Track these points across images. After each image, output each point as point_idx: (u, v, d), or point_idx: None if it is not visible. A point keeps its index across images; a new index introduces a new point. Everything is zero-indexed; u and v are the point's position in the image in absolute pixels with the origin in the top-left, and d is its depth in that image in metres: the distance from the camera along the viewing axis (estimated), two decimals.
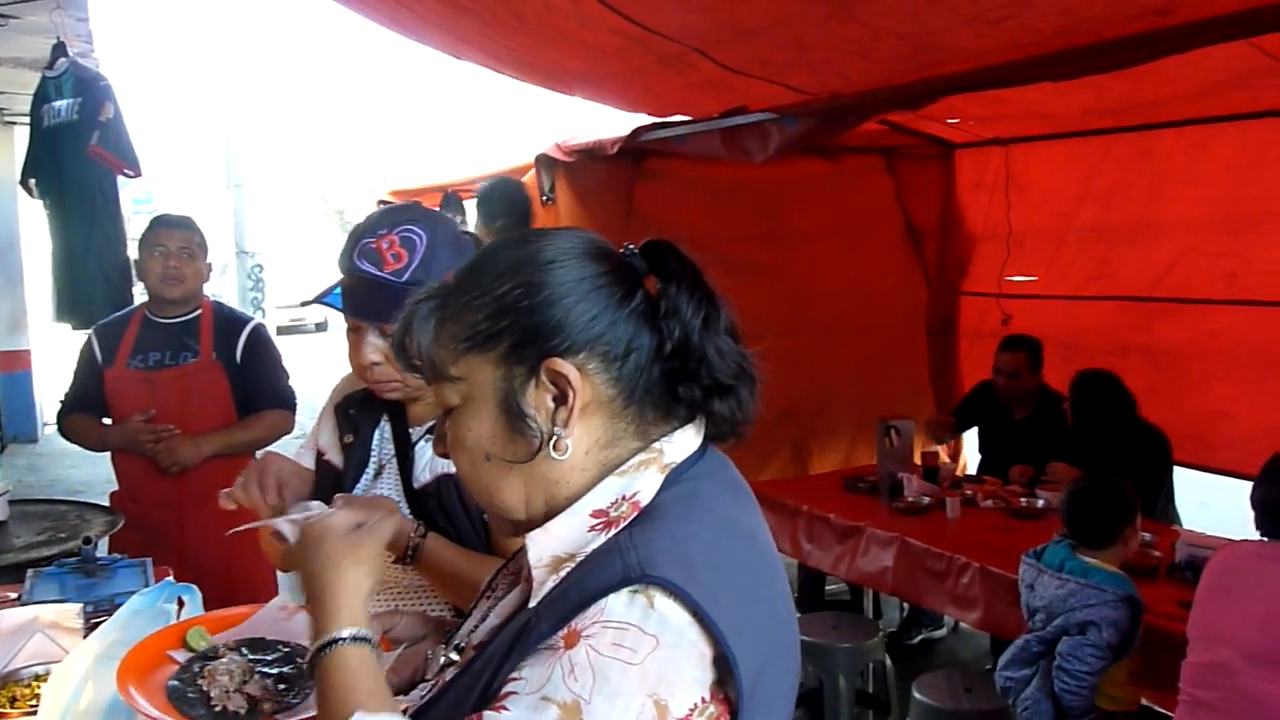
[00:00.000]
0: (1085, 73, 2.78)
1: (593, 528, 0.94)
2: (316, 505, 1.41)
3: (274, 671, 1.38)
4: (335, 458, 1.77)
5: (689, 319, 0.97)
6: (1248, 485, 4.51)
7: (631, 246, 1.02)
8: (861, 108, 3.45)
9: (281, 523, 1.29)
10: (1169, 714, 2.68)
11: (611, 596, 0.86)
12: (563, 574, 0.93)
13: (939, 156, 5.71)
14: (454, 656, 1.08)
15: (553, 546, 0.95)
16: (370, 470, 1.71)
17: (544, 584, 0.94)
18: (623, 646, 0.83)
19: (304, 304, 1.76)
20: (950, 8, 2.55)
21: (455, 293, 1.00)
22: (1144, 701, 2.78)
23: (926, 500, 4.03)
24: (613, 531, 0.93)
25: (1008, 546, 3.42)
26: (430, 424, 1.67)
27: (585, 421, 0.96)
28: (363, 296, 1.57)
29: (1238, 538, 3.33)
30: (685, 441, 0.99)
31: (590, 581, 0.88)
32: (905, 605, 4.76)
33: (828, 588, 4.63)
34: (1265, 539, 2.30)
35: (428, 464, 1.65)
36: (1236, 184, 4.38)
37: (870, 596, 4.83)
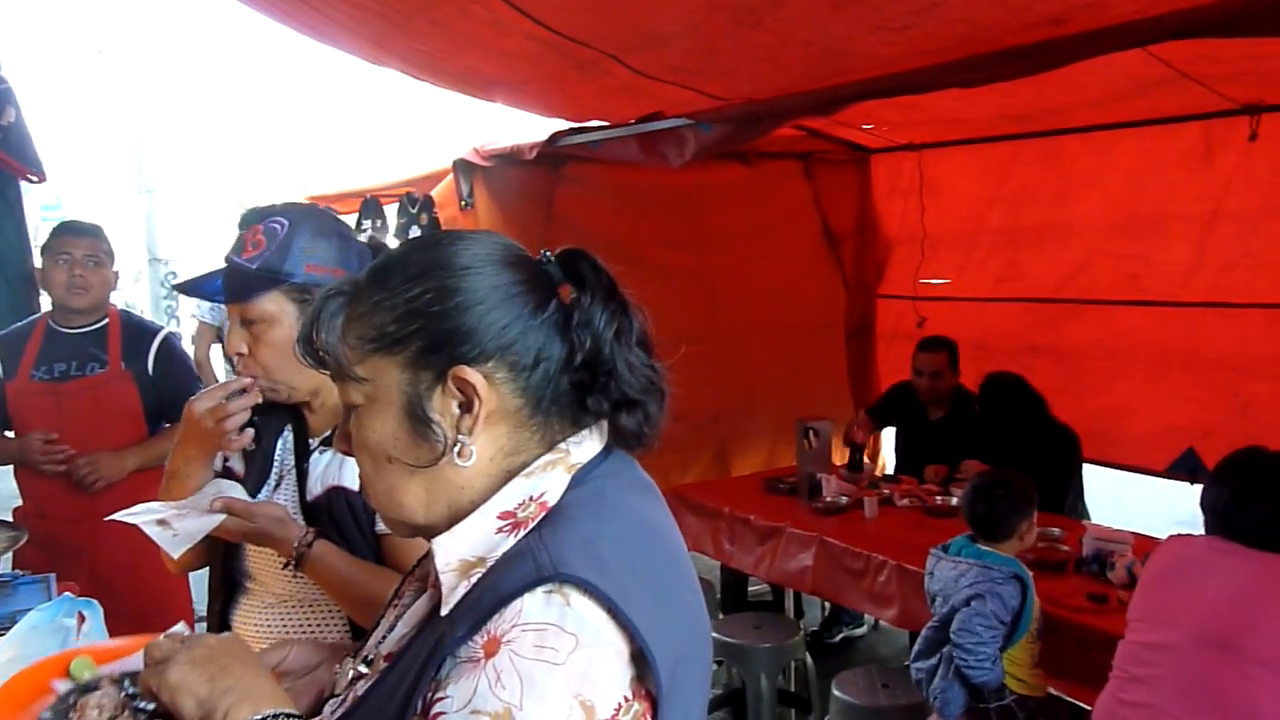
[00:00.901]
0: (985, 80, 2.85)
1: (500, 530, 0.94)
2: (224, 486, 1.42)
3: (148, 708, 1.31)
4: (237, 465, 1.75)
5: (601, 330, 0.97)
6: (1153, 480, 4.70)
7: (548, 254, 1.01)
8: (774, 113, 3.49)
9: (152, 527, 1.25)
10: (1078, 703, 2.77)
11: (527, 597, 0.85)
12: (473, 579, 0.92)
13: (855, 162, 5.80)
14: (363, 669, 1.05)
15: (460, 550, 0.94)
16: (272, 480, 1.70)
17: (455, 590, 0.93)
18: (545, 647, 0.83)
19: (174, 288, 1.77)
20: (854, 16, 2.60)
21: (366, 291, 0.98)
22: (1052, 691, 2.86)
23: (845, 500, 4.09)
24: (521, 533, 0.93)
25: (923, 544, 3.46)
26: (327, 435, 1.66)
27: (490, 429, 0.96)
28: (225, 282, 1.61)
29: (1144, 531, 3.46)
30: (590, 443, 0.99)
31: (503, 585, 0.87)
32: (826, 604, 4.83)
33: (750, 588, 4.68)
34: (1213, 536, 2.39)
35: (320, 475, 1.64)
36: (1137, 188, 4.53)
37: (791, 596, 4.88)
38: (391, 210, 5.64)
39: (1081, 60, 2.67)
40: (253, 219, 1.63)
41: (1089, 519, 4.04)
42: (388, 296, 0.96)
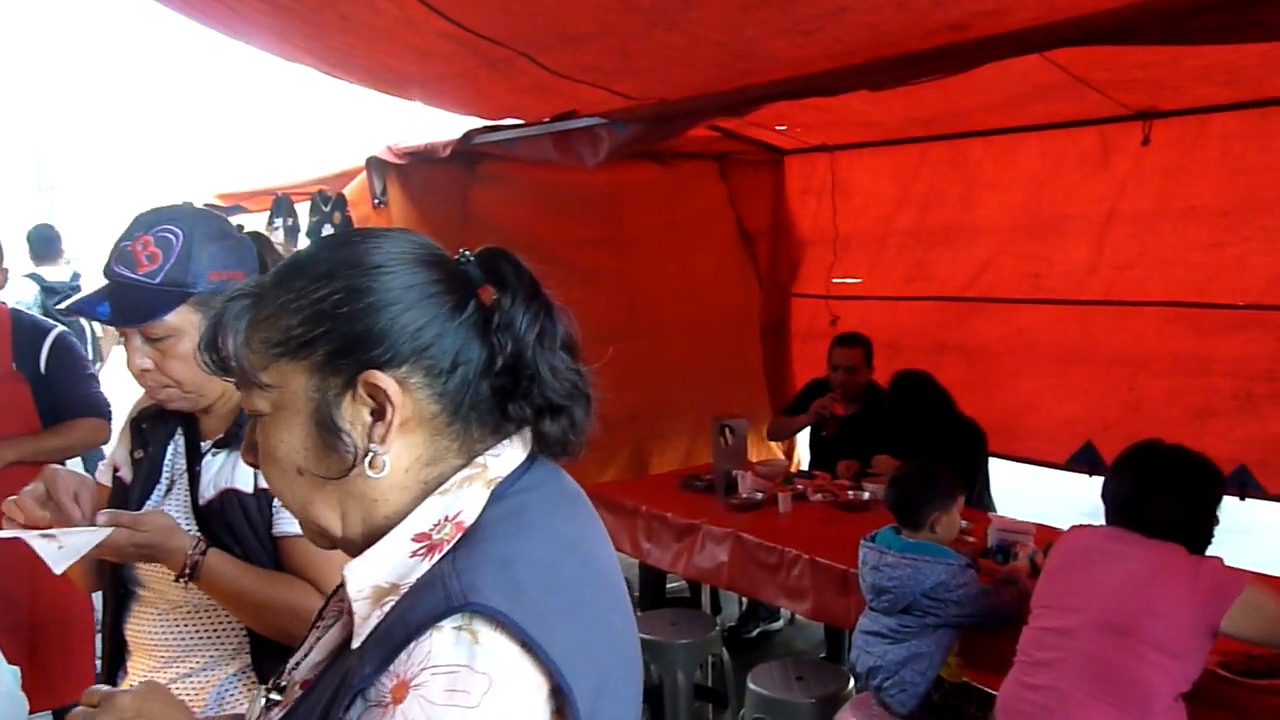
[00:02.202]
0: (890, 83, 2.92)
1: (415, 553, 0.88)
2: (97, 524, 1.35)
3: None
4: (127, 474, 1.69)
5: (522, 333, 0.92)
6: (1058, 473, 4.85)
7: (467, 253, 0.97)
8: (687, 113, 3.53)
9: (36, 539, 1.21)
10: (986, 689, 2.85)
11: (436, 636, 0.80)
12: (386, 608, 0.86)
13: (769, 162, 5.87)
14: (275, 697, 1.00)
15: (373, 576, 0.88)
16: (162, 486, 1.65)
17: (367, 619, 0.87)
18: (456, 690, 0.77)
19: (63, 312, 1.69)
20: (764, 19, 2.64)
21: (271, 293, 0.92)
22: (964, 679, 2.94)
23: (760, 496, 4.14)
24: (436, 556, 0.87)
25: (835, 538, 3.55)
26: (219, 437, 1.62)
27: (406, 438, 0.90)
28: (120, 301, 1.52)
29: (1048, 522, 3.57)
30: (511, 454, 0.94)
31: (412, 616, 0.82)
32: (743, 600, 4.88)
33: (668, 585, 4.71)
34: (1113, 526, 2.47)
35: (212, 479, 1.59)
36: (1038, 190, 4.67)
37: (709, 593, 4.93)
38: (304, 208, 5.53)
39: (981, 65, 2.76)
40: (139, 228, 1.54)
41: (995, 511, 4.16)
42: (294, 298, 0.90)
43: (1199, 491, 2.38)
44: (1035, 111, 4.34)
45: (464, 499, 0.90)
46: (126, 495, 1.64)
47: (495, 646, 0.79)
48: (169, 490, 1.64)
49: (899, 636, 2.86)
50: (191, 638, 1.61)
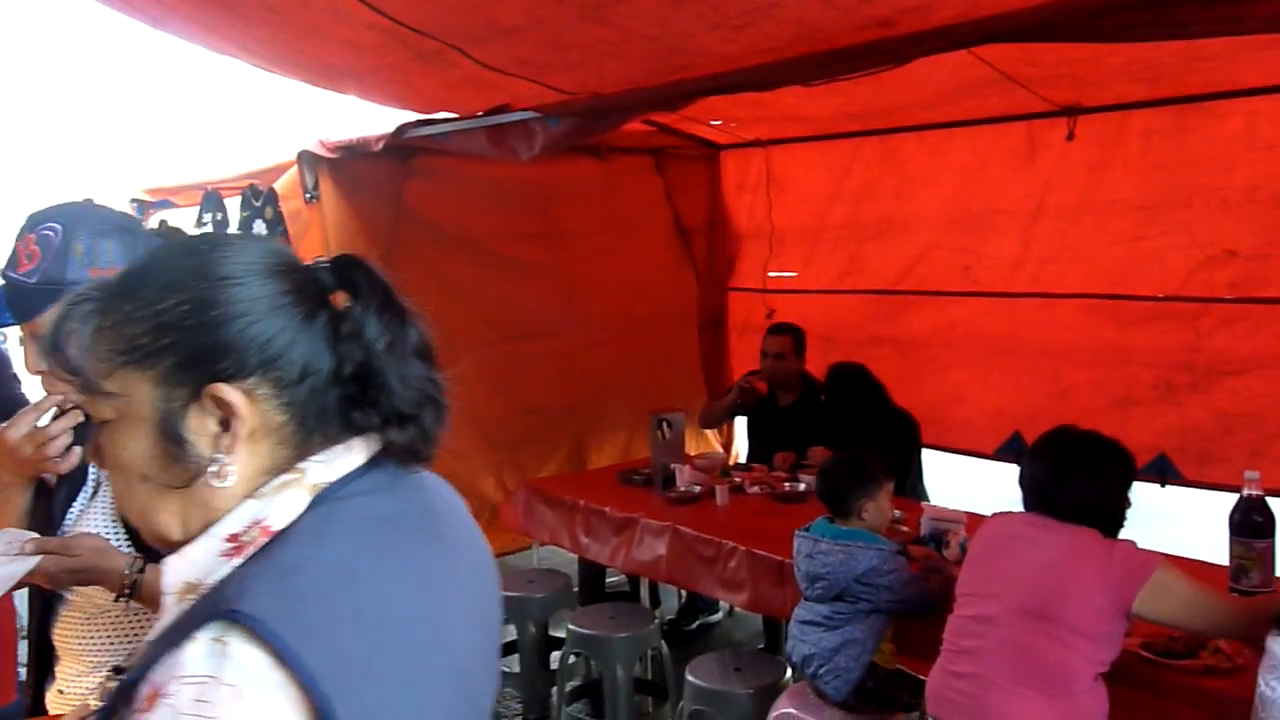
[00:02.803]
0: (819, 78, 2.96)
1: (225, 553, 0.87)
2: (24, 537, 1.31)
3: None
4: (52, 476, 1.65)
5: (372, 341, 0.91)
6: (989, 462, 4.93)
7: (322, 260, 0.96)
8: (621, 108, 3.53)
9: None
10: (919, 676, 2.90)
11: (191, 646, 0.77)
12: (185, 606, 0.86)
13: (705, 157, 5.91)
14: (112, 684, 1.00)
15: (186, 572, 0.88)
16: (88, 488, 1.61)
17: (170, 614, 0.87)
18: (204, 701, 0.74)
19: None
20: (695, 14, 2.65)
21: (116, 300, 0.90)
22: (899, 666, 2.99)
23: (698, 489, 4.16)
24: (239, 560, 0.86)
25: (772, 529, 3.58)
26: None
27: (252, 448, 0.89)
28: (9, 301, 1.51)
29: (981, 511, 3.63)
30: (345, 460, 0.92)
31: (189, 619, 0.80)
32: (683, 592, 4.91)
33: (608, 580, 4.72)
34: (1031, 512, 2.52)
35: None
36: (969, 184, 4.75)
37: (648, 586, 4.95)
38: (234, 204, 5.44)
39: (908, 61, 2.80)
40: (25, 228, 1.53)
41: (929, 500, 4.23)
42: (139, 307, 0.89)
43: (1112, 475, 2.44)
44: (965, 107, 4.41)
45: (277, 504, 0.88)
46: (51, 498, 1.60)
47: (245, 658, 0.76)
48: (94, 493, 1.61)
49: (833, 624, 2.90)
50: (120, 640, 1.59)
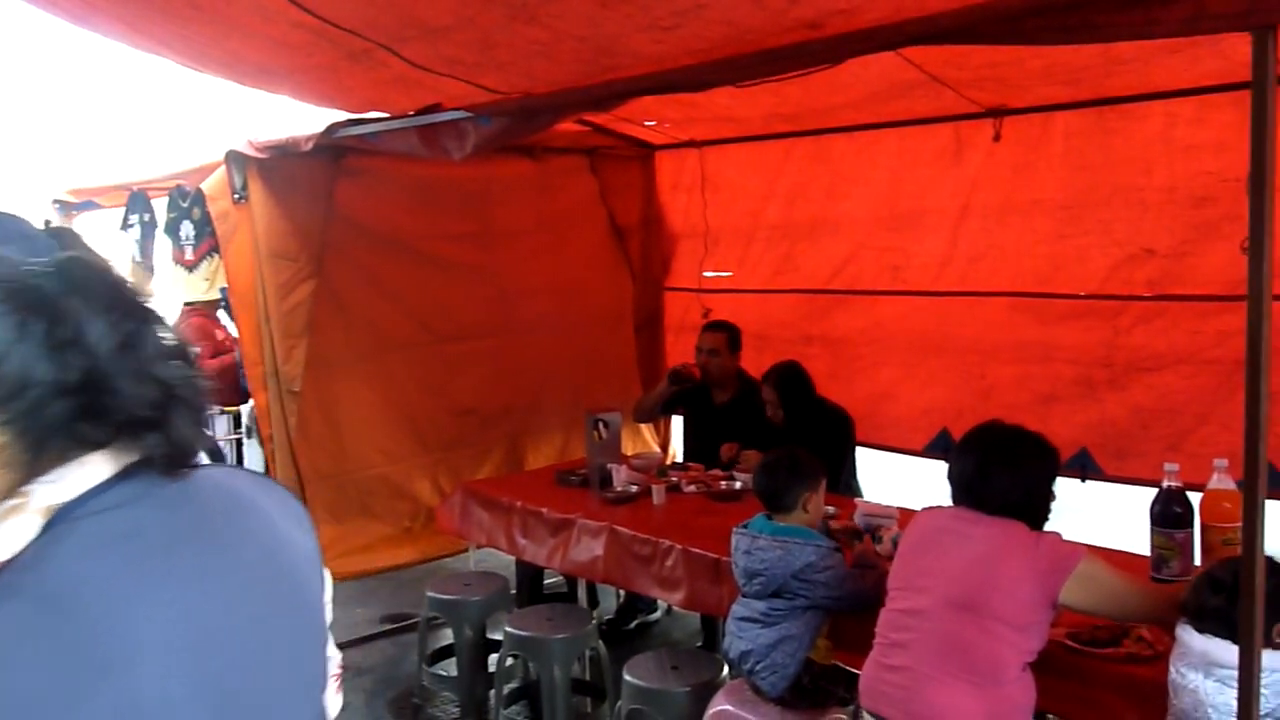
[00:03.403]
0: (748, 78, 2.99)
1: None
2: None
3: None
4: None
5: (95, 344, 0.83)
6: (915, 460, 4.99)
7: (39, 264, 0.86)
8: (552, 108, 3.52)
9: None
10: (854, 671, 2.94)
11: None
12: None
13: (639, 158, 5.92)
14: None
15: None
16: None
17: None
18: None
19: None
20: (624, 14, 2.65)
21: None
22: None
23: (635, 489, 4.17)
24: None
25: (708, 528, 3.61)
26: None
27: None
28: None
29: (911, 506, 3.69)
30: (80, 476, 0.85)
31: None
32: (621, 592, 4.92)
33: (546, 581, 4.71)
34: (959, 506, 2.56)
35: None
36: (897, 185, 4.82)
37: (585, 587, 4.94)
38: (161, 204, 5.35)
39: (837, 62, 2.84)
40: None
41: (862, 496, 4.29)
42: None
43: (1037, 469, 2.50)
44: (894, 108, 4.47)
45: (1, 533, 0.81)
46: None
47: None
48: None
49: (770, 620, 2.93)
50: None
